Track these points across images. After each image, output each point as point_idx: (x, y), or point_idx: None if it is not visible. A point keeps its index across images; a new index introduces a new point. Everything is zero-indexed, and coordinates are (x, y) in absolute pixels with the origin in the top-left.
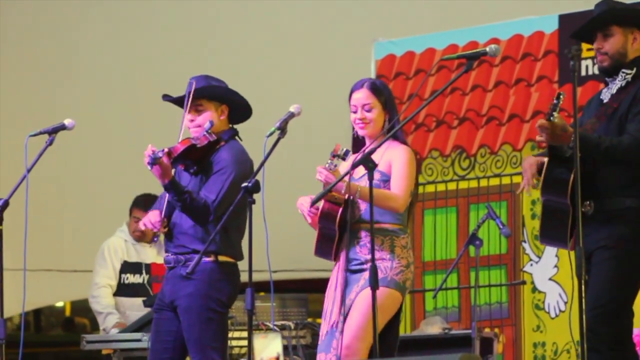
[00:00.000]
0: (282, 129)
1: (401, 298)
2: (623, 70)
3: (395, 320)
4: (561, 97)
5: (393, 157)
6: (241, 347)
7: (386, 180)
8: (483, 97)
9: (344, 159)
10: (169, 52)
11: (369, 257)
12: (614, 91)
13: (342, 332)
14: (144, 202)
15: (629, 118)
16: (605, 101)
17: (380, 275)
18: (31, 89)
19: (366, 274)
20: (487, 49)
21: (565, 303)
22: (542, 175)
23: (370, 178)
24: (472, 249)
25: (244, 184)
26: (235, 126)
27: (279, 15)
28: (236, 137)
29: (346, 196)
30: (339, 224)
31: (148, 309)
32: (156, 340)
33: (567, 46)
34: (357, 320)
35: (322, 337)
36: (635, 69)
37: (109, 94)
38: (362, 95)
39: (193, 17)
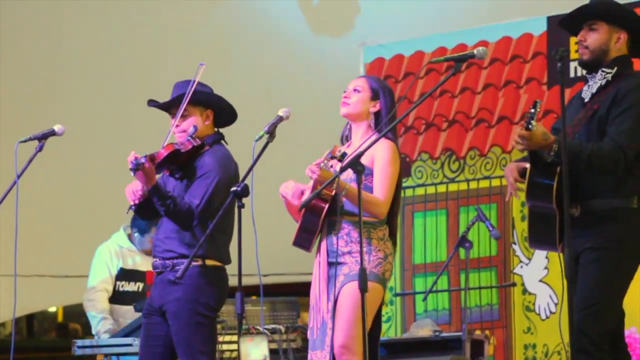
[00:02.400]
0: (271, 133)
1: (382, 290)
2: (603, 69)
3: (377, 311)
4: (538, 105)
5: (376, 152)
6: (232, 351)
7: (368, 175)
8: (472, 100)
9: (340, 161)
10: (157, 57)
11: (345, 249)
12: (594, 90)
13: (332, 328)
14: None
15: (609, 120)
16: (586, 100)
17: (358, 269)
18: (21, 95)
19: (344, 269)
20: (475, 51)
21: (556, 305)
22: (526, 181)
23: (359, 182)
24: (462, 251)
25: (233, 188)
26: (224, 130)
27: (267, 19)
28: (222, 141)
29: (333, 193)
30: (323, 219)
31: (140, 314)
32: (145, 345)
33: (555, 48)
34: (348, 318)
35: (314, 333)
36: (615, 69)
37: (101, 100)
38: (357, 81)
39: (182, 23)
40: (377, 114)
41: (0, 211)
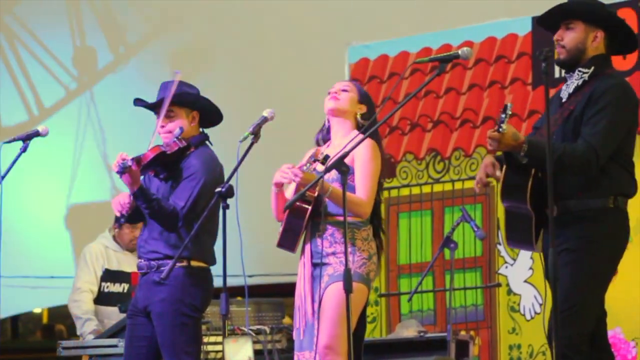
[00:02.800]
0: (256, 134)
1: (367, 290)
2: (580, 68)
3: (362, 311)
4: (508, 108)
5: (356, 151)
6: (217, 351)
7: (350, 174)
8: (457, 100)
9: (323, 164)
10: (146, 55)
11: (330, 250)
12: (571, 90)
13: (317, 329)
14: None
15: (583, 120)
16: (563, 100)
17: (342, 269)
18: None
19: (329, 270)
20: (460, 51)
21: (541, 305)
22: (501, 181)
23: (344, 182)
24: (447, 251)
25: (218, 189)
26: (209, 131)
27: (252, 19)
28: (206, 142)
29: (316, 194)
30: (307, 221)
31: (125, 315)
32: (130, 346)
33: (540, 48)
34: (331, 318)
35: (300, 334)
36: (592, 68)
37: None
38: (344, 82)
39: (167, 22)
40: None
41: None
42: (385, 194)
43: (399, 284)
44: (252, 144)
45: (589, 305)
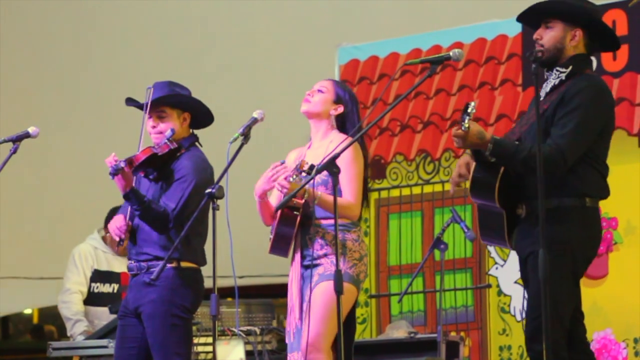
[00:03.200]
0: (246, 135)
1: (356, 291)
2: (557, 67)
3: (351, 312)
4: (470, 106)
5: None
6: (207, 352)
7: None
8: (447, 101)
9: (308, 174)
10: (136, 58)
11: (321, 252)
12: (548, 89)
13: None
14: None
15: (554, 121)
16: (541, 99)
17: (332, 269)
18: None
19: (319, 269)
20: (451, 53)
21: None
22: (470, 179)
23: (335, 183)
24: (437, 252)
25: (208, 190)
26: (199, 132)
27: (242, 21)
28: (196, 143)
29: (303, 202)
30: (297, 227)
31: (115, 316)
32: (121, 347)
33: (530, 49)
34: (317, 317)
35: (291, 335)
36: (570, 67)
37: (79, 102)
38: (323, 82)
39: (157, 23)
40: (338, 118)
41: None
42: (375, 195)
43: (389, 285)
44: (242, 145)
45: (563, 309)
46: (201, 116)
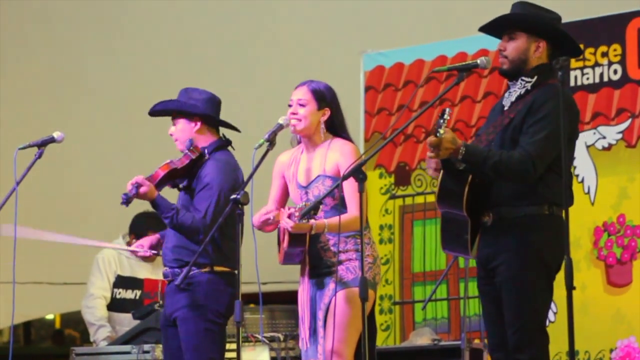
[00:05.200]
0: (271, 141)
1: (374, 294)
2: (522, 77)
3: (371, 315)
4: (446, 113)
5: (339, 160)
6: (231, 359)
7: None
8: (472, 108)
9: (314, 216)
10: (157, 62)
11: (334, 259)
12: (513, 99)
13: (323, 336)
14: (139, 227)
15: (523, 129)
16: (505, 108)
17: (350, 276)
18: (22, 101)
19: (335, 277)
20: (478, 61)
21: (555, 314)
22: (437, 187)
23: (361, 190)
24: (461, 259)
25: (233, 196)
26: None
27: (268, 28)
28: (228, 148)
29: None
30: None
31: (138, 322)
32: (169, 356)
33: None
34: (338, 323)
35: (305, 344)
36: (535, 77)
37: (103, 107)
38: (300, 92)
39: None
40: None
41: None
42: (400, 201)
43: (413, 292)
44: (267, 151)
45: (539, 320)
46: (210, 121)
